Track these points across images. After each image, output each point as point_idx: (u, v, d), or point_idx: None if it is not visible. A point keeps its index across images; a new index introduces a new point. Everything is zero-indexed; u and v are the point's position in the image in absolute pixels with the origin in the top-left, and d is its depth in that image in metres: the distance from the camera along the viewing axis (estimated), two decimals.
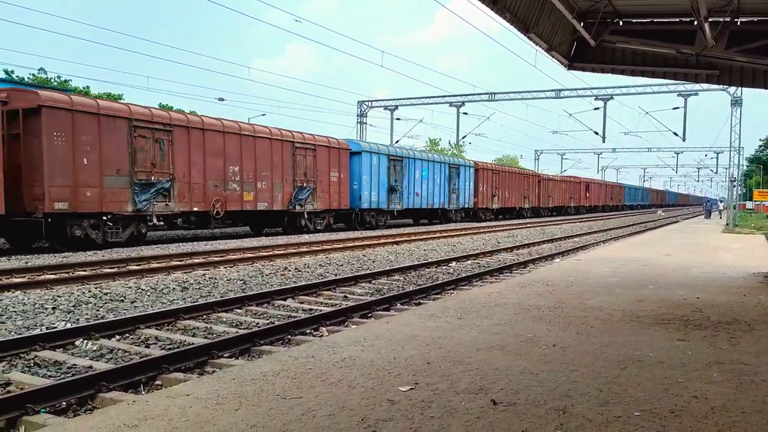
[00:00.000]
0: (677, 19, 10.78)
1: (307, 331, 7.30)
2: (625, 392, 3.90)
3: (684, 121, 38.16)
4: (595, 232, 29.29)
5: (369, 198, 28.29)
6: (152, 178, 18.05)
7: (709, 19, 9.19)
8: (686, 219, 48.20)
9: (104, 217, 16.81)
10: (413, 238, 22.27)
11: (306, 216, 24.52)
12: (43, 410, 4.46)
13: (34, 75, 41.10)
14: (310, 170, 24.58)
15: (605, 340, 5.34)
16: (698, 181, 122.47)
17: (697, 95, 37.01)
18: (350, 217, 27.87)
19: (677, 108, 38.40)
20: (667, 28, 10.90)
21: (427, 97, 44.34)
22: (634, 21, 11.08)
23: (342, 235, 23.75)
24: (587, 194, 64.56)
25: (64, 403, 4.67)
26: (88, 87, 43.20)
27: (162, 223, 19.20)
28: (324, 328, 7.44)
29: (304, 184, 24.21)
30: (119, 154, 17.12)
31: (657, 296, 7.88)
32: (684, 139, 39.79)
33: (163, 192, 18.44)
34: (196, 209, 19.70)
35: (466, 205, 38.25)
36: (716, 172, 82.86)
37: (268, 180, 22.41)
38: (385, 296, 9.45)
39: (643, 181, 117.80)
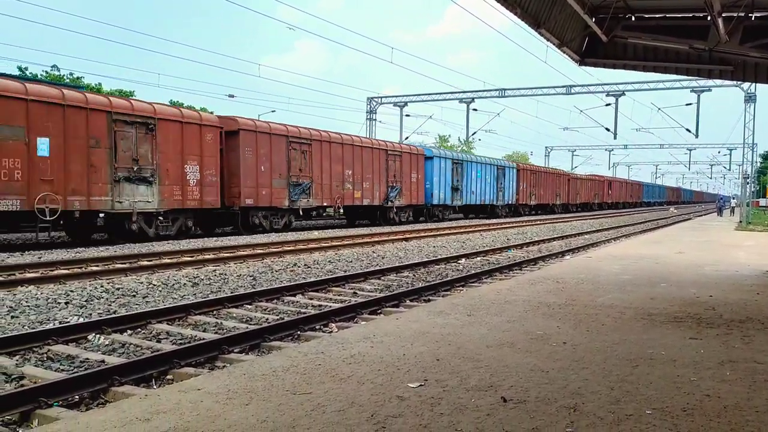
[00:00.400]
0: (690, 15, 10.68)
1: (317, 327, 7.32)
2: (636, 390, 3.88)
3: (697, 117, 37.89)
4: (606, 229, 29.14)
5: (438, 195, 33.88)
6: (300, 180, 23.75)
7: (723, 15, 9.09)
8: (699, 216, 47.85)
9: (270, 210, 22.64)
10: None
11: (395, 210, 30.15)
12: (56, 404, 4.50)
13: (47, 72, 41.38)
14: (398, 173, 30.38)
15: (616, 338, 5.32)
16: (711, 178, 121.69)
17: (711, 91, 36.74)
18: (421, 211, 33.39)
19: (690, 104, 38.12)
20: (680, 23, 10.81)
21: (436, 94, 44.29)
22: (646, 16, 11.00)
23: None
24: (609, 192, 69.12)
25: (77, 396, 4.70)
26: (100, 84, 43.46)
27: (301, 214, 24.85)
28: (333, 324, 7.45)
29: (394, 184, 29.91)
30: (281, 162, 22.92)
31: (669, 294, 7.84)
32: (697, 136, 39.52)
33: (306, 190, 24.03)
34: (325, 204, 25.69)
35: (510, 202, 43.31)
36: (729, 169, 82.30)
37: (370, 181, 28.20)
38: (394, 293, 9.45)
39: (656, 178, 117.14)
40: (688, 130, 40.00)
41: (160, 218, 18.28)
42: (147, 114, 17.74)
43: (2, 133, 14.24)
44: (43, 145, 14.92)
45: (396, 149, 30.65)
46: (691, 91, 37.06)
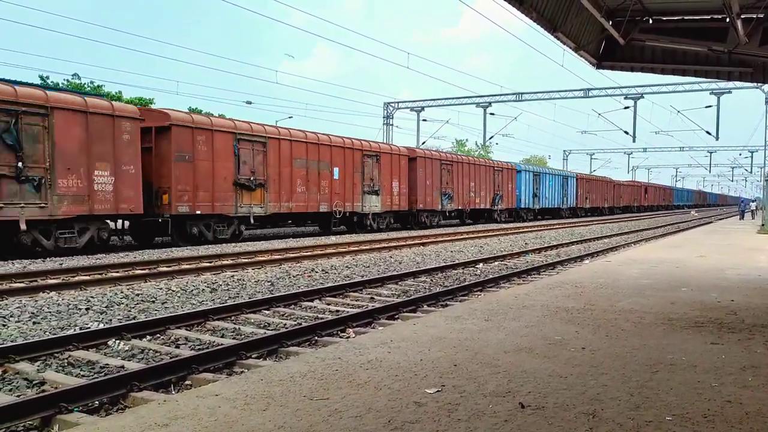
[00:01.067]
0: (708, 16, 10.57)
1: (334, 332, 7.33)
2: (656, 396, 3.83)
3: (717, 119, 37.40)
4: (626, 232, 28.87)
5: (524, 201, 42.60)
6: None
7: (742, 16, 9.00)
8: (720, 219, 47.22)
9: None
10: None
11: (498, 213, 38.55)
12: (76, 409, 4.55)
13: (68, 81, 41.99)
14: (502, 183, 38.93)
15: (636, 343, 5.26)
16: (732, 181, 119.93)
17: (731, 93, 36.25)
18: (511, 213, 41.30)
19: (710, 106, 37.67)
20: (698, 25, 10.70)
21: (453, 98, 44.23)
22: (664, 18, 10.91)
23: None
24: (645, 195, 78.08)
25: (97, 402, 4.75)
26: (120, 92, 43.98)
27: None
28: (350, 330, 7.46)
29: (498, 193, 38.30)
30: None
31: (690, 299, 7.74)
32: (717, 138, 39.01)
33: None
34: (460, 207, 34.08)
35: (571, 206, 52.07)
36: (751, 172, 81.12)
37: (477, 189, 35.76)
38: (412, 297, 9.44)
39: (676, 181, 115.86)
40: (708, 132, 39.53)
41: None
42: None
43: (324, 166, 23.92)
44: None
45: (502, 167, 39.39)
46: (710, 93, 36.60)
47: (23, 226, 14.26)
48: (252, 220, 20.97)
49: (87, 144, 15.63)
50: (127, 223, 18.77)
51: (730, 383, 4.13)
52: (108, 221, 16.93)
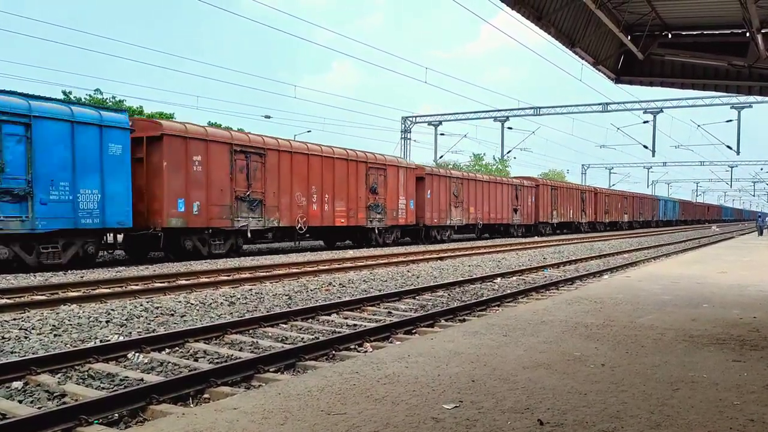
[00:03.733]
0: (728, 31, 10.52)
1: (352, 346, 7.33)
2: (677, 414, 3.78)
3: (738, 133, 37.03)
4: (646, 248, 28.57)
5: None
6: None
7: (762, 31, 8.94)
8: (742, 235, 46.55)
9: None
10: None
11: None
12: (96, 422, 4.59)
13: (90, 95, 42.72)
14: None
15: (657, 360, 5.20)
16: (754, 196, 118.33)
17: (751, 107, 35.88)
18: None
19: (730, 120, 37.31)
20: (718, 40, 10.65)
21: (471, 112, 44.28)
22: (683, 33, 10.87)
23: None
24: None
25: (117, 414, 4.79)
26: (141, 107, 44.64)
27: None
28: (368, 344, 7.45)
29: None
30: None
31: (711, 315, 7.63)
32: (738, 153, 38.57)
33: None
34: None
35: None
36: None
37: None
38: (429, 312, 9.41)
39: (696, 196, 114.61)
40: (729, 147, 39.15)
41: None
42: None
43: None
44: None
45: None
46: (731, 108, 36.29)
47: None
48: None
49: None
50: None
51: (753, 401, 4.06)
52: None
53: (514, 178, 43.02)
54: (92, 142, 15.62)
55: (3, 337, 7.55)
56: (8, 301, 10.21)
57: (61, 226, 14.92)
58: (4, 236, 13.93)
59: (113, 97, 44.08)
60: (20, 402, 5.20)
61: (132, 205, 16.58)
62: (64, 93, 40.43)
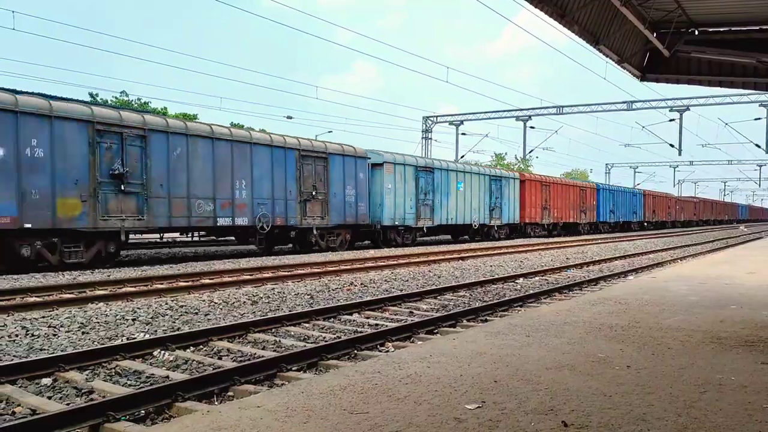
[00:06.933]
0: (756, 27, 10.33)
1: (373, 346, 7.34)
2: (705, 417, 3.73)
3: (766, 131, 36.33)
4: (672, 248, 28.17)
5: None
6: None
7: None
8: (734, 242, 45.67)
9: None
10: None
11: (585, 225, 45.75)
12: (123, 418, 4.66)
13: (116, 97, 43.38)
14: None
15: (683, 362, 5.12)
16: None
17: None
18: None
19: (759, 119, 36.64)
20: (746, 36, 10.46)
21: (492, 112, 44.09)
22: (710, 30, 10.70)
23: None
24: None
25: (143, 411, 4.86)
26: (165, 108, 45.20)
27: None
28: (390, 344, 7.46)
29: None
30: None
31: (739, 316, 7.50)
32: (767, 151, 37.85)
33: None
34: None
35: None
36: None
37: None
38: (451, 312, 9.39)
39: (724, 195, 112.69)
40: (757, 145, 38.44)
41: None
42: None
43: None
44: None
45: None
46: (759, 105, 35.64)
47: None
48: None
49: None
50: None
51: None
52: None
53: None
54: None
55: (33, 335, 7.70)
56: (37, 299, 10.41)
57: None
58: None
59: (138, 99, 44.72)
60: (49, 398, 5.30)
61: None
62: (90, 95, 41.10)
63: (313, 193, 22.47)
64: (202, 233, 22.65)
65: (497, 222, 34.61)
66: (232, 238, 25.41)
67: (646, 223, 57.51)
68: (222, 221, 19.07)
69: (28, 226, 14.28)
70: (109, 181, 15.94)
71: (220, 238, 27.86)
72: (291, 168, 21.62)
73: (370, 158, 25.58)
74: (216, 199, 18.78)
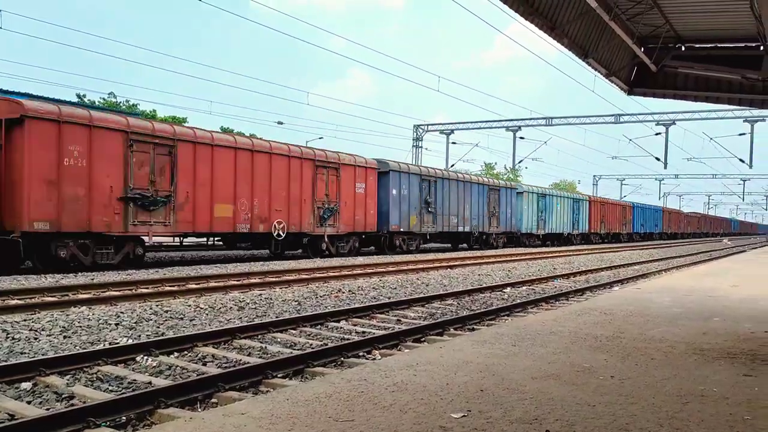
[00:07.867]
0: (742, 44, 10.49)
1: (360, 353, 7.32)
2: (687, 428, 3.75)
3: (750, 147, 36.90)
4: (657, 260, 28.38)
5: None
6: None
7: None
8: (754, 249, 46.15)
9: None
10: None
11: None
12: (103, 424, 4.61)
13: (104, 99, 43.15)
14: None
15: (666, 373, 5.16)
16: (766, 209, 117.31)
17: (765, 121, 35.67)
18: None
19: (743, 134, 37.12)
20: (732, 53, 10.61)
21: (483, 122, 44.32)
22: (696, 46, 10.85)
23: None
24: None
25: (124, 417, 4.80)
26: (154, 110, 44.99)
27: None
28: (377, 351, 7.44)
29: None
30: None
31: (722, 329, 7.56)
32: (751, 166, 38.39)
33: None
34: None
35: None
36: None
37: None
38: (438, 320, 9.39)
39: (708, 209, 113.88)
40: (741, 160, 38.97)
41: None
42: None
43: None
44: None
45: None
46: (744, 121, 36.10)
47: None
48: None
49: None
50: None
51: (763, 416, 4.02)
52: None
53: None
54: None
55: (13, 338, 7.61)
56: (19, 302, 10.29)
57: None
58: None
59: (126, 101, 44.49)
60: (29, 403, 5.23)
61: None
62: (78, 96, 40.83)
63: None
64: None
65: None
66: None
67: (664, 234, 69.70)
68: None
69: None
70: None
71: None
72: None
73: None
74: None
